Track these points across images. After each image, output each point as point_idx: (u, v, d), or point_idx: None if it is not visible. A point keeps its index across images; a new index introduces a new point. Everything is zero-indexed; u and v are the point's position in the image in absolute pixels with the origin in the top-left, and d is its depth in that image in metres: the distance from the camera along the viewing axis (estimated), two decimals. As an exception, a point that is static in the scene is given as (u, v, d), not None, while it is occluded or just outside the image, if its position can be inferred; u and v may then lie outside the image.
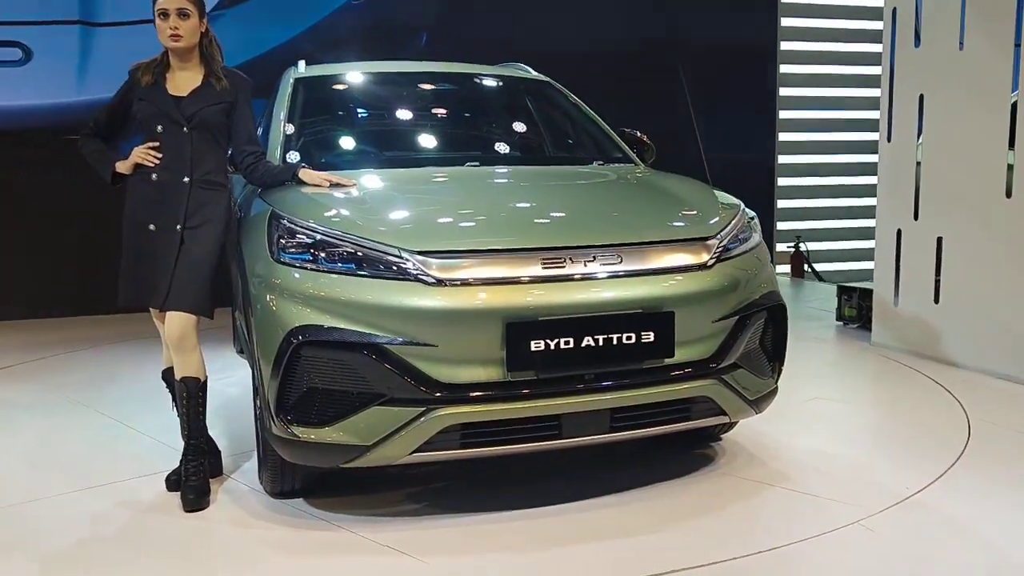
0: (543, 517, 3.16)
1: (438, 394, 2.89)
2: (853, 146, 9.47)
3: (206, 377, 3.42)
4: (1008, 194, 4.89)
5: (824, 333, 6.33)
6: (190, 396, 3.36)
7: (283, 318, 2.95)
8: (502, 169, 4.07)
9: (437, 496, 3.43)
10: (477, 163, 3.99)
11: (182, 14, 3.29)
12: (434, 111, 4.67)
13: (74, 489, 3.49)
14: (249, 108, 3.48)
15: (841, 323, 6.48)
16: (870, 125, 7.40)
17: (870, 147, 6.96)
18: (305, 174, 3.44)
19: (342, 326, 2.89)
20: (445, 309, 2.88)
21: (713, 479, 3.50)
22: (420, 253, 2.94)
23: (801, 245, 9.08)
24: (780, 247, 9.21)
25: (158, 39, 3.35)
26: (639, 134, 4.41)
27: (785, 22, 9.33)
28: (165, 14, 3.29)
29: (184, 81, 3.39)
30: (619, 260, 3.07)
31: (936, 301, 5.38)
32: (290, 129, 4.01)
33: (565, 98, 4.65)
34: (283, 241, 3.09)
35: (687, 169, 4.13)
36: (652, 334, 3.02)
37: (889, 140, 5.74)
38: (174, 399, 3.52)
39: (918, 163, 5.51)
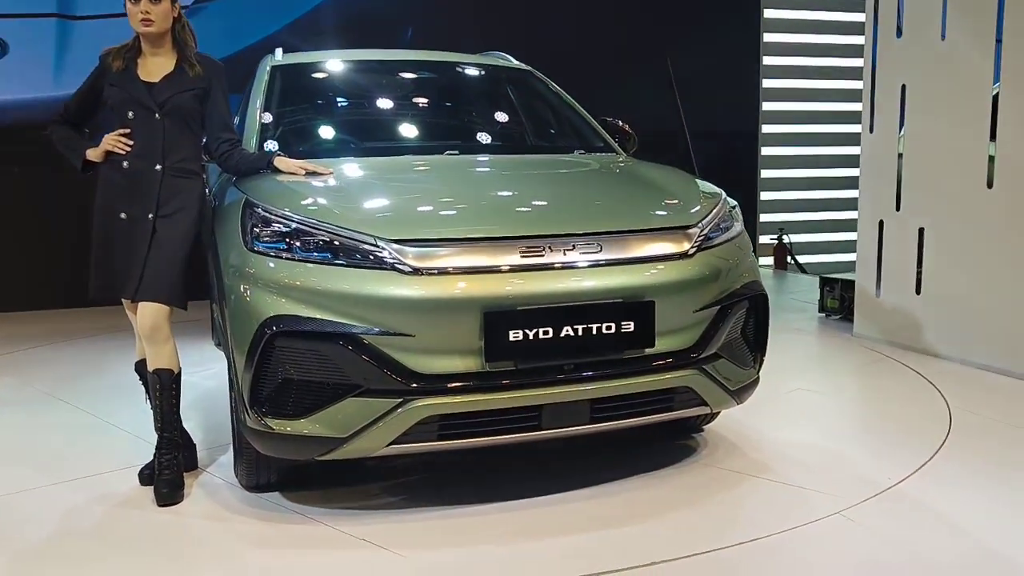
0: (523, 509, 3.13)
1: (415, 385, 2.84)
2: (836, 138, 9.50)
3: (180, 369, 3.36)
4: (989, 185, 4.89)
5: (807, 324, 6.33)
6: (163, 388, 3.30)
7: (257, 308, 2.90)
8: (481, 158, 4.02)
9: (415, 489, 3.39)
10: (456, 152, 3.94)
11: (153, -1, 3.22)
12: (413, 99, 4.61)
13: (48, 483, 3.43)
14: (224, 95, 3.41)
15: (824, 315, 6.48)
16: (852, 117, 7.41)
17: (853, 139, 6.96)
18: (280, 162, 3.38)
19: (317, 316, 2.84)
20: (422, 298, 2.83)
21: (695, 470, 3.48)
22: (396, 241, 2.89)
23: (784, 237, 9.09)
24: (763, 239, 9.24)
25: (129, 24, 3.27)
26: (621, 123, 4.37)
27: (768, 13, 9.34)
28: (136, -2, 3.22)
29: (156, 67, 3.32)
30: (599, 249, 3.03)
31: (918, 292, 5.39)
32: (267, 117, 3.94)
33: (546, 87, 4.60)
34: (257, 230, 3.03)
35: (673, 161, 4.10)
36: (632, 324, 2.99)
37: (871, 132, 5.73)
38: (147, 391, 3.46)
39: (900, 154, 5.51)
